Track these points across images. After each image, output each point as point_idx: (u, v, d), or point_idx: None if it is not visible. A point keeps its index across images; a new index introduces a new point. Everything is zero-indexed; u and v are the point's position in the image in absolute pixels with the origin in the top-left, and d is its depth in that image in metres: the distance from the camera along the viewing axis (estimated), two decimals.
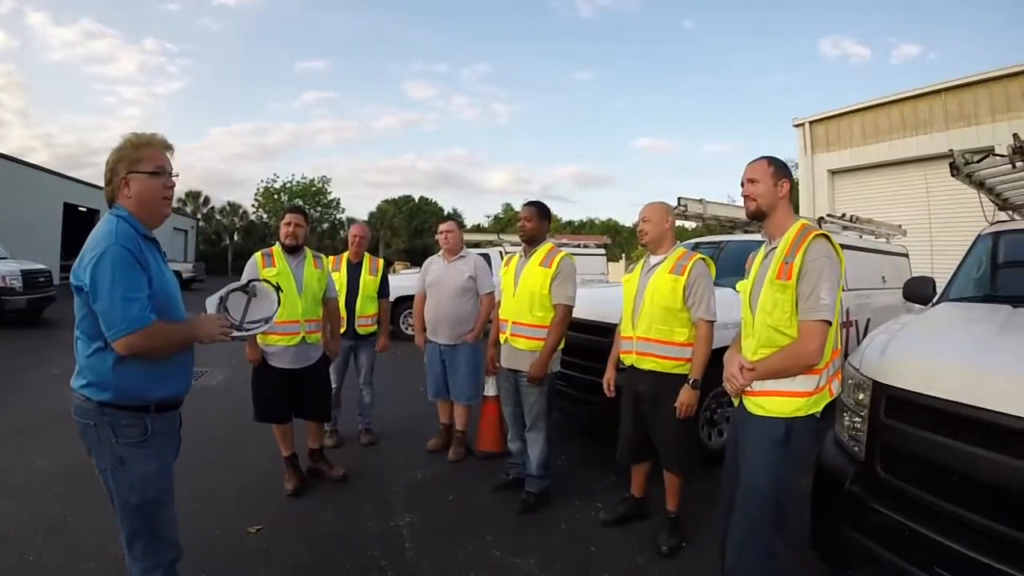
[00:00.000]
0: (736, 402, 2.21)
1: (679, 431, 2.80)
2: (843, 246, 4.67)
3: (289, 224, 3.36)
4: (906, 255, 6.11)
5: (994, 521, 1.62)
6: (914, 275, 2.95)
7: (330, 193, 49.41)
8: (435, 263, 4.14)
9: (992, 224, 3.28)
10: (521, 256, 3.40)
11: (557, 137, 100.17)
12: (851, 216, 5.27)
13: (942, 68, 66.34)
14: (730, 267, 3.79)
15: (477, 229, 42.76)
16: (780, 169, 2.13)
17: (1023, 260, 2.93)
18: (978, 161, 2.87)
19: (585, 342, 3.89)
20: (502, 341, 3.38)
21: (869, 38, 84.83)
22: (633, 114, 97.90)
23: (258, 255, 3.37)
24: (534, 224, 3.32)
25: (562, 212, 62.93)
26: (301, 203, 46.60)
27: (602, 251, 11.84)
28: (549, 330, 3.20)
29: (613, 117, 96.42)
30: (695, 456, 3.03)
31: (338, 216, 50.99)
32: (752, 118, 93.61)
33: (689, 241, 5.51)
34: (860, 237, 5.34)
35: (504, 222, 47.65)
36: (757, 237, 5.08)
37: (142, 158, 1.76)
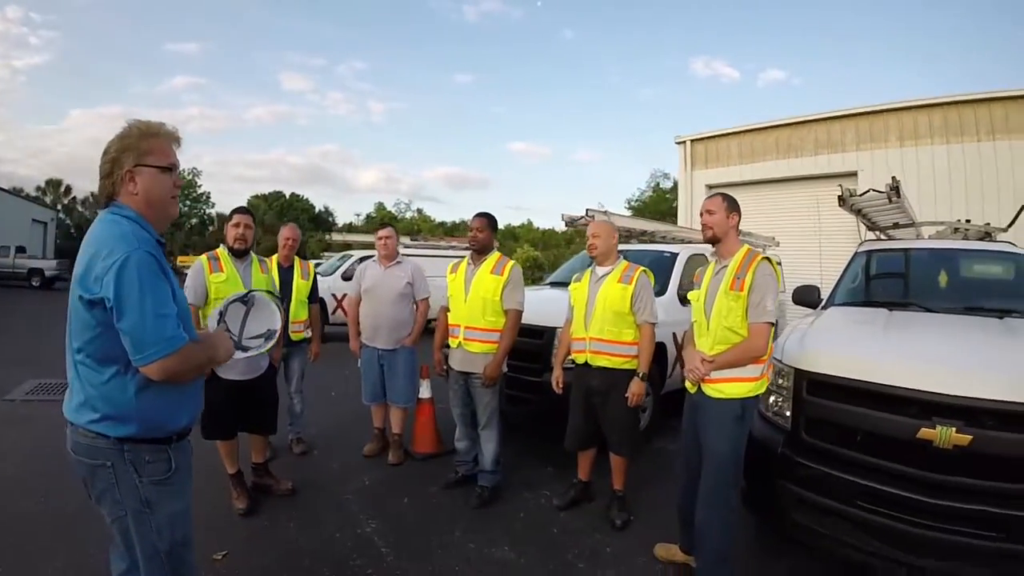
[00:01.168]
0: (693, 389, 2.65)
1: (627, 419, 3.22)
2: None
3: (239, 226, 3.15)
4: (779, 263, 7.30)
5: (893, 463, 2.24)
6: (802, 284, 3.70)
7: (200, 186, 46.89)
8: (371, 268, 4.11)
9: (863, 243, 4.25)
10: (469, 264, 3.56)
11: (432, 138, 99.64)
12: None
13: (805, 92, 78.55)
14: None
15: (349, 228, 42.57)
16: (731, 204, 2.63)
17: (890, 272, 3.88)
18: (861, 195, 3.73)
19: (520, 344, 4.16)
20: (455, 345, 3.52)
21: (739, 61, 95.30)
22: (510, 118, 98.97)
23: (204, 258, 3.10)
24: (486, 235, 3.51)
25: (434, 213, 63.53)
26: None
27: None
28: (502, 334, 3.42)
29: (490, 121, 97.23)
30: (639, 440, 3.48)
31: (208, 211, 48.03)
32: (626, 129, 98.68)
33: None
34: None
35: (376, 221, 46.89)
36: (650, 247, 5.83)
37: (152, 150, 1.54)
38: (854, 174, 9.94)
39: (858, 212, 4.15)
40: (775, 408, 2.77)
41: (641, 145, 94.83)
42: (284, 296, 3.92)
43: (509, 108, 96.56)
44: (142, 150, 1.53)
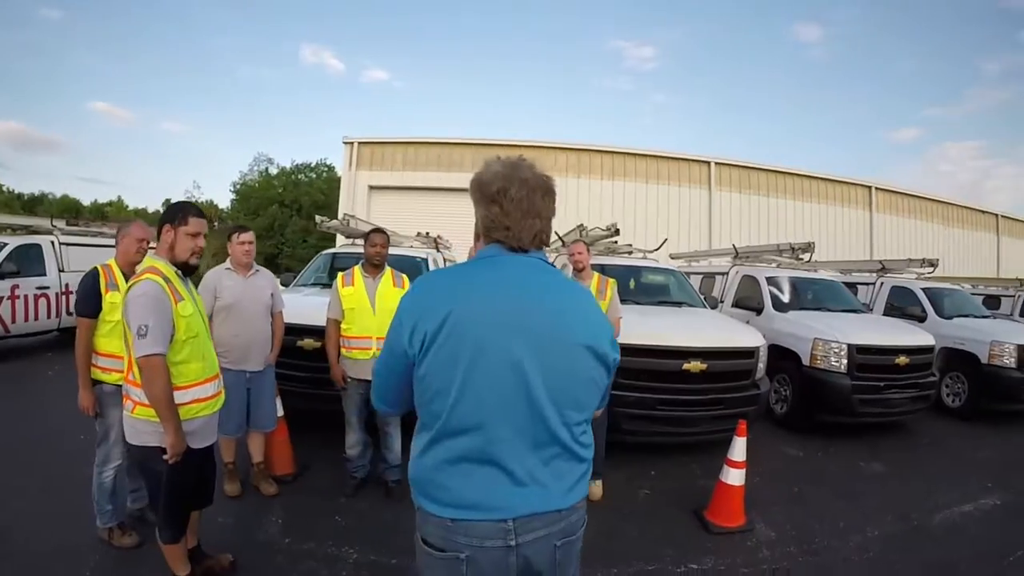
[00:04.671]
0: None
1: None
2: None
3: (197, 235, 2.32)
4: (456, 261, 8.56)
5: (667, 384, 4.37)
6: None
7: None
8: (228, 279, 3.40)
9: (563, 253, 6.23)
10: (366, 276, 3.70)
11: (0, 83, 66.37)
12: (437, 235, 7.41)
13: (405, 96, 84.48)
14: None
15: None
16: (588, 248, 4.11)
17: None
18: (591, 230, 5.63)
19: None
20: (367, 357, 3.58)
21: (346, 55, 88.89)
22: (97, 72, 74.36)
23: (160, 282, 2.15)
24: (387, 250, 3.81)
25: (5, 181, 46.61)
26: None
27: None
28: None
29: (72, 70, 72.63)
30: None
31: None
32: (224, 105, 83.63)
33: (329, 252, 6.19)
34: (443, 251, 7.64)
35: None
36: (407, 252, 6.40)
37: None
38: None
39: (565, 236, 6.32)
40: None
41: (242, 124, 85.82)
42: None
43: (97, 59, 72.97)
44: None
